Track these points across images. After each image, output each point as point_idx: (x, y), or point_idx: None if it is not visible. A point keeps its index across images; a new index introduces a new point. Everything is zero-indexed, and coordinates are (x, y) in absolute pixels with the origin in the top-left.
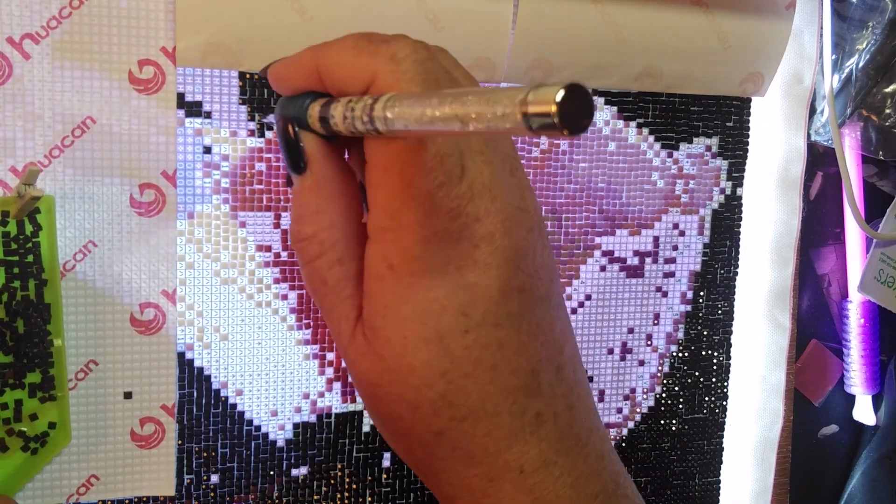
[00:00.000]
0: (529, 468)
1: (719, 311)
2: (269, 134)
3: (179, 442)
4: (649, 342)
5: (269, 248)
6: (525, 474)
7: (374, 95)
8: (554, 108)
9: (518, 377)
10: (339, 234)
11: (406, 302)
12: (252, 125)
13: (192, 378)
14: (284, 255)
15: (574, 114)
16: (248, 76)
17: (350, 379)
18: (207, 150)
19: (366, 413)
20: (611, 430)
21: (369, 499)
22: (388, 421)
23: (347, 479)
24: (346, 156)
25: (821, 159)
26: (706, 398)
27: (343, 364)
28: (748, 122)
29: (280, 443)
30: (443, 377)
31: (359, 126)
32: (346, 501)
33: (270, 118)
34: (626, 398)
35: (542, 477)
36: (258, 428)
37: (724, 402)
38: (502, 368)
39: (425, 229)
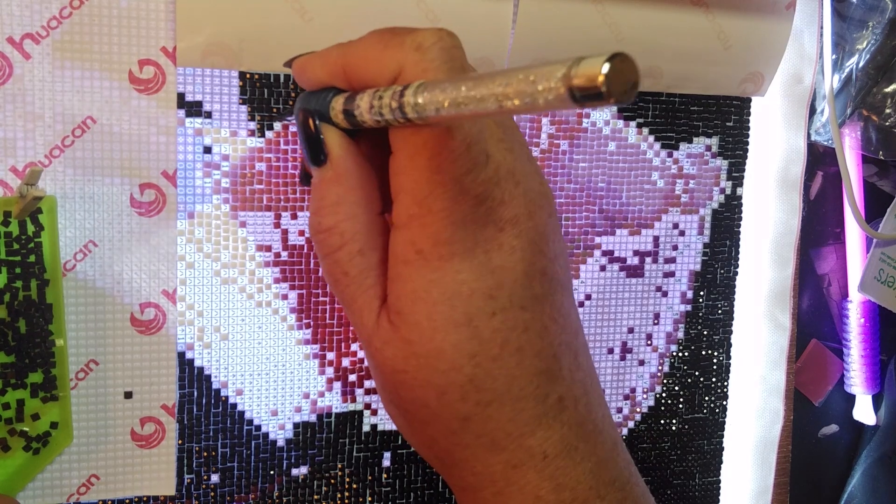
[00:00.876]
0: (552, 454)
1: (719, 311)
2: (269, 134)
3: (180, 441)
4: (649, 342)
5: (269, 248)
6: (548, 460)
7: (404, 83)
8: (601, 79)
9: (542, 360)
10: (359, 226)
11: (436, 285)
12: (252, 125)
13: (192, 378)
14: (284, 254)
15: (621, 82)
16: (248, 76)
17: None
18: (207, 149)
19: (366, 413)
20: None
21: (369, 498)
22: (412, 409)
23: (347, 479)
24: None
25: (821, 159)
26: (706, 398)
27: (344, 364)
28: (748, 121)
29: (280, 442)
30: (471, 360)
31: (386, 114)
32: (346, 501)
33: (290, 118)
34: (626, 398)
35: (563, 462)
36: (258, 427)
37: (724, 402)
38: (527, 351)
39: (454, 214)
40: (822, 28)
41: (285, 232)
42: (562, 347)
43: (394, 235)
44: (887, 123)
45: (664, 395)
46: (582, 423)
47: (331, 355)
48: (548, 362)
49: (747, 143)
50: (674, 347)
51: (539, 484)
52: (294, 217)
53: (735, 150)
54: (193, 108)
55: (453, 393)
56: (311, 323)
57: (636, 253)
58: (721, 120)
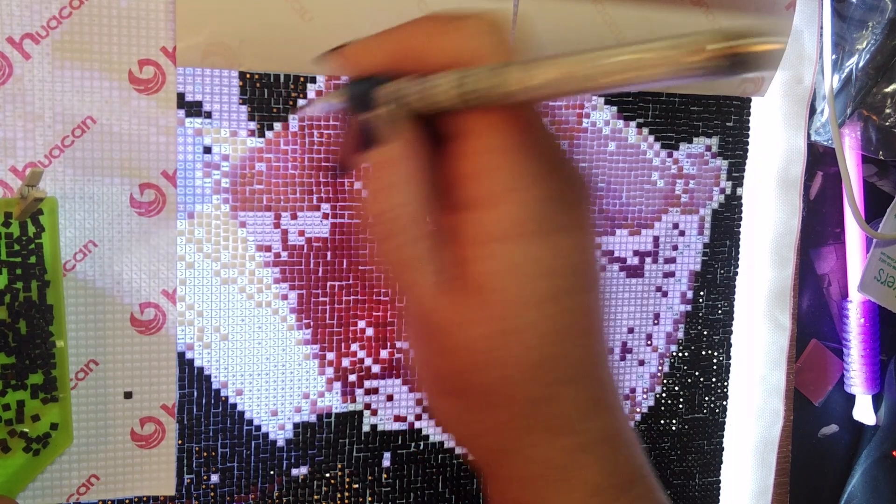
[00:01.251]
0: (607, 437)
1: (719, 311)
2: (269, 134)
3: (179, 442)
4: (649, 342)
5: (269, 248)
6: (600, 444)
7: (504, 62)
8: (738, 50)
9: (600, 344)
10: (422, 209)
11: (525, 263)
12: (252, 125)
13: (192, 378)
14: (284, 255)
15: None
16: (248, 76)
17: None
18: (207, 150)
19: (366, 413)
20: None
21: (369, 499)
22: (485, 391)
23: (347, 479)
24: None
25: (821, 159)
26: (706, 398)
27: (344, 364)
28: (748, 122)
29: (280, 442)
30: (556, 337)
31: (482, 91)
32: (346, 501)
33: (317, 107)
34: (626, 398)
35: (610, 447)
36: (258, 428)
37: (724, 402)
38: (594, 334)
39: (549, 191)
40: (822, 28)
41: (285, 232)
42: (605, 333)
43: (474, 215)
44: (887, 123)
45: (664, 395)
46: (620, 408)
47: (331, 355)
48: (604, 347)
49: (747, 143)
50: (674, 347)
51: (591, 468)
52: (294, 217)
53: (735, 150)
54: (193, 108)
55: (529, 371)
56: (311, 323)
57: (636, 253)
58: (721, 120)
